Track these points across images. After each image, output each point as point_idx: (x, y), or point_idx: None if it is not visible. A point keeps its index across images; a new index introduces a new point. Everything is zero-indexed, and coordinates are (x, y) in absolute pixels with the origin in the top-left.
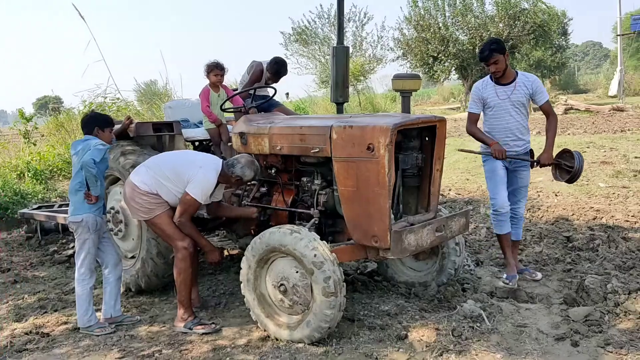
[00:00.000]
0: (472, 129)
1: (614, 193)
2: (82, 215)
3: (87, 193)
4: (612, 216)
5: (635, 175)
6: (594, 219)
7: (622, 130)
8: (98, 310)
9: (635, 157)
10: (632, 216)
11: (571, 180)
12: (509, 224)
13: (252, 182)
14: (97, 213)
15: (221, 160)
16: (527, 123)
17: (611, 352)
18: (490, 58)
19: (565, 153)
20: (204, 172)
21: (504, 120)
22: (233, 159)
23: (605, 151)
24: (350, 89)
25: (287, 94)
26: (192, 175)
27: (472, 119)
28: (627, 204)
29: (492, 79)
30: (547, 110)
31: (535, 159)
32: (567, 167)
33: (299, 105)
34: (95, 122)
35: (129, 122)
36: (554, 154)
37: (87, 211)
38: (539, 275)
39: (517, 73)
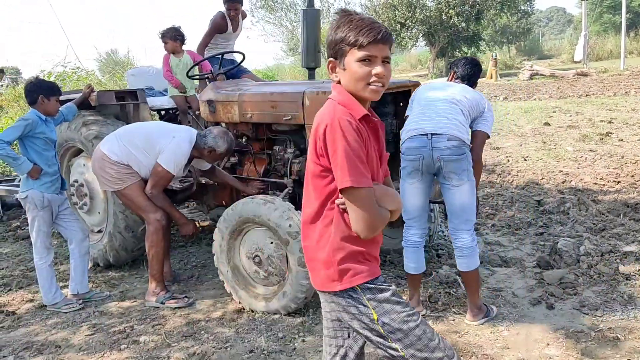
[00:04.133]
0: None
1: (581, 156)
2: (27, 192)
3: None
4: (581, 179)
5: (602, 139)
6: (563, 182)
7: (586, 95)
8: (65, 286)
9: (601, 121)
10: (600, 179)
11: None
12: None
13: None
14: (44, 189)
15: (196, 131)
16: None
17: (587, 314)
18: None
19: None
20: (176, 142)
21: None
22: (206, 130)
23: (571, 115)
24: (320, 55)
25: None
26: (164, 145)
27: None
28: (595, 167)
29: None
30: None
31: None
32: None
33: (267, 73)
34: (39, 91)
35: (89, 90)
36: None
37: (31, 187)
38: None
39: None
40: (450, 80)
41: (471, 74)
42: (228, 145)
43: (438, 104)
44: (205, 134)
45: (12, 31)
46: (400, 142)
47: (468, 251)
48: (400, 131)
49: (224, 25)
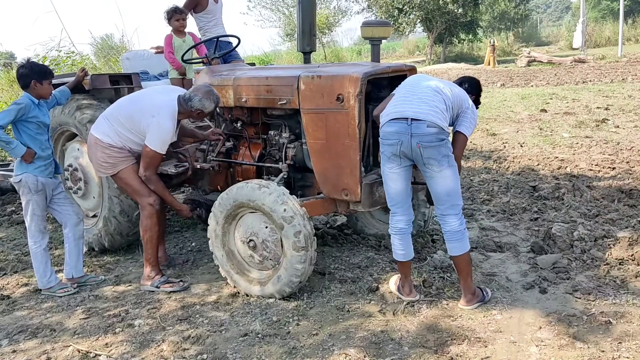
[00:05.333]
0: None
1: (577, 143)
2: (21, 175)
3: (29, 152)
4: (577, 165)
5: (598, 125)
6: (558, 168)
7: (583, 82)
8: (60, 270)
9: (597, 108)
10: (595, 165)
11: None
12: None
13: (218, 139)
14: (38, 172)
15: (176, 98)
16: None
17: (579, 298)
18: None
19: None
20: (157, 122)
21: None
22: (189, 92)
23: (567, 102)
24: (315, 39)
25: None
26: (146, 125)
27: None
28: (591, 153)
29: None
30: None
31: None
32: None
33: (263, 59)
34: (31, 75)
35: (83, 74)
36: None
37: (25, 170)
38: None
39: None
40: None
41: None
42: (215, 104)
43: (422, 89)
44: (190, 97)
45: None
46: (380, 126)
47: (457, 235)
48: (380, 114)
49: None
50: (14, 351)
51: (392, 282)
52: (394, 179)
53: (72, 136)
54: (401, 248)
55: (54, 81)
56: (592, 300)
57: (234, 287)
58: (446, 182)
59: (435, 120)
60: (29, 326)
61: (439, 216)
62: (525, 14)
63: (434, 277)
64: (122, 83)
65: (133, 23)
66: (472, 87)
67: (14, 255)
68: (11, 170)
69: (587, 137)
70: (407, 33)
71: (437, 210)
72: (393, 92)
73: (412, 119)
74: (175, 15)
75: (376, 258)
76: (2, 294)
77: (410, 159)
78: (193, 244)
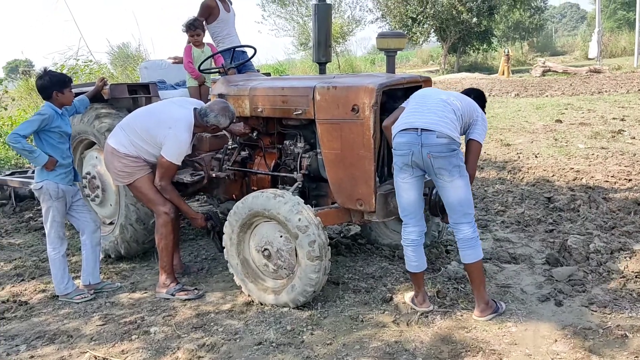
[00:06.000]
0: None
1: (593, 154)
2: (42, 182)
3: (51, 161)
4: (592, 177)
5: (614, 136)
6: (574, 179)
7: (599, 92)
8: (77, 277)
9: (613, 119)
10: (611, 176)
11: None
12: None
13: (233, 147)
14: (59, 180)
15: (192, 111)
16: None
17: (595, 311)
18: None
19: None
20: (174, 133)
21: None
22: (206, 107)
23: (583, 113)
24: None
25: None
26: (163, 137)
27: None
28: (607, 165)
29: None
30: None
31: None
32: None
33: (278, 68)
34: (52, 87)
35: (102, 83)
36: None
37: (46, 178)
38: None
39: None
40: None
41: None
42: (230, 120)
43: (432, 101)
44: (206, 113)
45: (29, 27)
46: (391, 137)
47: (471, 242)
48: (388, 125)
49: (215, 7)
50: (32, 356)
51: (408, 296)
52: (406, 189)
53: (91, 144)
54: (414, 259)
55: (73, 90)
56: (609, 314)
57: (248, 295)
58: (457, 192)
59: (445, 131)
60: (47, 332)
61: (452, 225)
62: (540, 23)
63: (448, 288)
64: (140, 92)
65: (149, 32)
66: (478, 98)
67: (32, 262)
68: (29, 178)
69: (603, 148)
70: (420, 43)
71: (450, 220)
72: (402, 105)
73: (422, 129)
74: (189, 31)
75: (390, 268)
76: (20, 300)
77: (422, 169)
78: (207, 252)
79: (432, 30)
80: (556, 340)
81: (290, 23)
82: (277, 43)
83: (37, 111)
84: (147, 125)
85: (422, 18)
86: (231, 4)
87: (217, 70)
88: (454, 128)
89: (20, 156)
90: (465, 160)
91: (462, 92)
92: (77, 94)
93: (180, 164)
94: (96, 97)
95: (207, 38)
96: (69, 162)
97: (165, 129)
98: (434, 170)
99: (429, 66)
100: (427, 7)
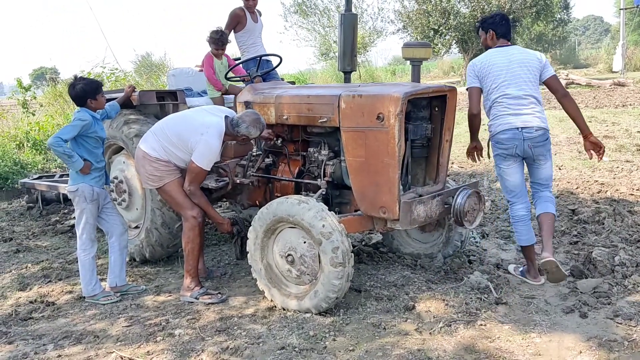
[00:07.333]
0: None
1: (617, 167)
2: (78, 185)
3: (87, 165)
4: (617, 189)
5: (639, 149)
6: (598, 192)
7: (623, 105)
8: (103, 279)
9: (638, 132)
10: (637, 190)
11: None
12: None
13: (258, 153)
14: (94, 183)
15: (224, 120)
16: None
17: (620, 323)
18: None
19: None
20: (206, 140)
21: None
22: (237, 117)
23: (607, 125)
24: (356, 59)
25: None
26: (195, 143)
27: None
28: (632, 178)
29: None
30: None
31: None
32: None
33: (299, 78)
34: (85, 95)
35: (131, 90)
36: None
37: (82, 181)
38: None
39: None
40: (491, 41)
41: (509, 28)
42: (260, 131)
43: (520, 86)
44: (237, 123)
45: (58, 35)
46: (489, 131)
47: (552, 200)
48: (489, 123)
49: (243, 17)
50: (59, 356)
51: (512, 267)
52: (511, 174)
53: (119, 149)
54: (525, 233)
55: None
56: (634, 326)
57: (271, 300)
58: (548, 170)
59: (539, 124)
60: (73, 332)
61: (535, 192)
62: (564, 36)
63: (471, 298)
64: (167, 99)
65: (173, 42)
66: (507, 33)
67: (59, 264)
68: (56, 182)
69: (627, 161)
70: (442, 54)
71: (535, 191)
72: (473, 85)
73: (521, 127)
74: (212, 46)
75: (412, 277)
76: (47, 301)
77: (523, 156)
78: (230, 258)
79: (454, 41)
80: (581, 352)
81: (312, 33)
82: (299, 52)
83: (75, 116)
84: (179, 130)
85: (444, 30)
86: (260, 15)
87: (241, 79)
88: (544, 119)
89: (46, 160)
90: (556, 91)
91: (493, 23)
92: (108, 100)
93: (209, 169)
94: (125, 103)
95: (230, 45)
96: (102, 166)
97: (197, 135)
98: (534, 157)
99: (450, 77)
100: (450, 18)
